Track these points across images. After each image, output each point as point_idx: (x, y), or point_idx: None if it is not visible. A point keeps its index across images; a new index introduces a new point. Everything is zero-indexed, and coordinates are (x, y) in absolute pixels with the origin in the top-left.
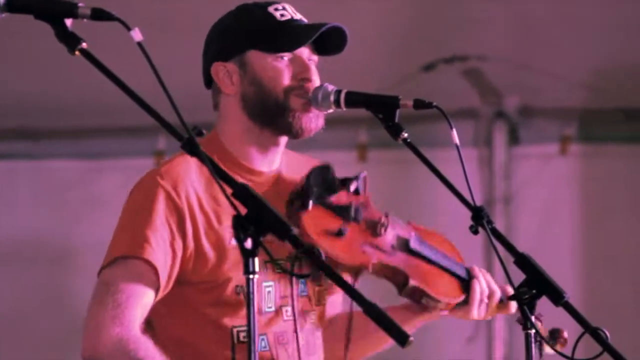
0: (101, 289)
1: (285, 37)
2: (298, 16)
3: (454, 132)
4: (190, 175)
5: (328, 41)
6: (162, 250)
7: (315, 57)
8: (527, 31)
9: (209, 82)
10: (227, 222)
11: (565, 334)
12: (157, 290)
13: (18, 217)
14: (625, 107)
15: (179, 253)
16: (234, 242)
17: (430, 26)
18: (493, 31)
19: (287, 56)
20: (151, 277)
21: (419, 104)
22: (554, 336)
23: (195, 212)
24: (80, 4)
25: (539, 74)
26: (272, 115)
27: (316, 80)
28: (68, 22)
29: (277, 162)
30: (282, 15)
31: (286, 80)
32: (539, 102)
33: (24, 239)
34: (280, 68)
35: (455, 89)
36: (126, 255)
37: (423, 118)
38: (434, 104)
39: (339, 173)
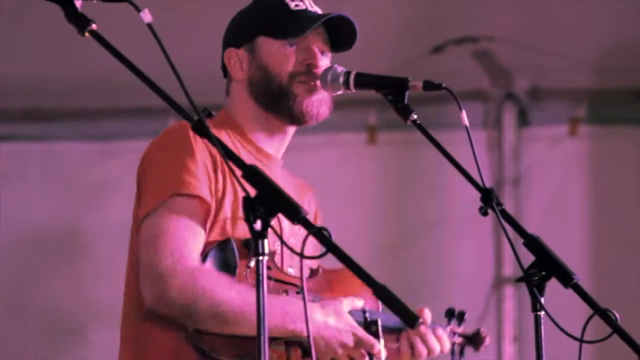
0: (152, 235)
1: (293, 24)
2: (315, 8)
3: (464, 113)
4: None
5: (340, 36)
6: (207, 189)
7: (328, 52)
8: (537, 12)
9: (224, 70)
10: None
11: (485, 336)
12: (205, 228)
13: (28, 199)
14: (635, 88)
15: (215, 201)
16: None
17: (439, 8)
18: (503, 13)
19: (295, 43)
20: (202, 214)
21: (429, 86)
22: (477, 339)
23: (224, 167)
24: None
25: (548, 55)
26: (274, 98)
27: (323, 67)
28: (78, 3)
29: (281, 152)
30: (296, 5)
31: (291, 65)
32: (549, 84)
33: (34, 221)
34: (286, 53)
35: (464, 70)
36: (175, 193)
37: (432, 100)
38: (444, 85)
39: (349, 155)
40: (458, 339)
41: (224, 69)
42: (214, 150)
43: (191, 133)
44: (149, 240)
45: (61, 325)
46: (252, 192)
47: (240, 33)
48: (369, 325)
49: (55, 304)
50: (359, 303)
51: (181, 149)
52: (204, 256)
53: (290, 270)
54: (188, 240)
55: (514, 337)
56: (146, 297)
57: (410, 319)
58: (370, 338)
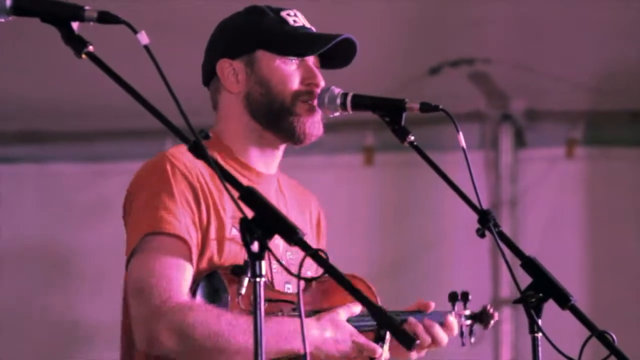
0: (138, 279)
1: (301, 42)
2: (308, 25)
3: (461, 135)
4: (196, 161)
5: (334, 55)
6: (188, 227)
7: (318, 69)
8: (533, 34)
9: (208, 79)
10: (230, 212)
11: (493, 313)
12: (192, 263)
13: (24, 220)
14: (631, 110)
15: (200, 231)
16: (234, 232)
17: (436, 29)
18: (499, 34)
19: (295, 61)
20: (184, 251)
21: (426, 107)
22: (485, 317)
23: (206, 192)
24: (86, 7)
25: (545, 76)
26: (276, 117)
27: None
28: (74, 25)
29: (274, 168)
30: (294, 21)
31: (295, 84)
32: (545, 105)
33: (29, 242)
34: (289, 71)
35: (461, 92)
36: (153, 232)
37: (429, 121)
38: (441, 107)
39: (346, 177)
40: (466, 321)
41: (207, 76)
42: (195, 180)
43: (168, 167)
44: (136, 284)
45: (54, 345)
46: (249, 213)
47: (236, 44)
48: (379, 329)
49: (48, 323)
50: (356, 309)
51: (159, 187)
52: (194, 289)
53: (288, 287)
54: (173, 278)
55: (512, 359)
56: (140, 342)
57: (407, 341)
58: (370, 343)
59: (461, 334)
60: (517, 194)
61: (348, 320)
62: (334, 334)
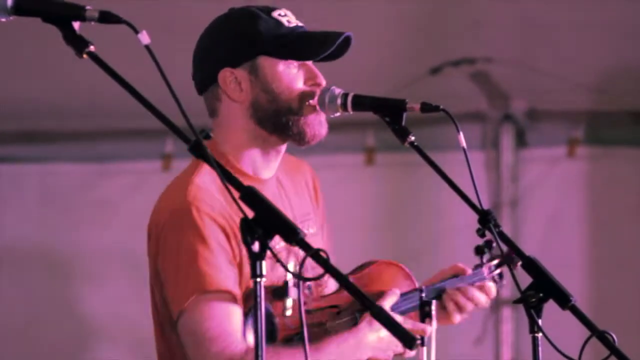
0: (195, 338)
1: (304, 45)
2: (300, 23)
3: (461, 135)
4: (215, 194)
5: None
6: (227, 271)
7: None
8: (535, 34)
9: (204, 87)
10: None
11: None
12: (240, 308)
13: (25, 220)
14: (632, 110)
15: (235, 264)
16: None
17: (437, 29)
18: (500, 34)
19: (296, 63)
20: (232, 302)
21: (426, 107)
22: (510, 260)
23: (232, 224)
24: (87, 7)
25: (546, 76)
26: (285, 122)
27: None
28: (76, 25)
29: (275, 169)
30: (288, 22)
31: (299, 86)
32: (546, 105)
33: (31, 242)
34: (293, 75)
35: (462, 92)
36: (202, 291)
37: (430, 121)
38: (441, 107)
39: (347, 177)
40: (495, 271)
41: (203, 85)
42: (220, 218)
43: (195, 214)
44: (195, 342)
45: (55, 345)
46: (250, 213)
47: (236, 52)
48: (424, 306)
49: (49, 323)
50: (394, 297)
51: (193, 239)
52: (244, 323)
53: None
54: (227, 328)
55: (512, 359)
56: None
57: (407, 340)
58: (418, 325)
59: (494, 282)
60: (518, 194)
61: (393, 308)
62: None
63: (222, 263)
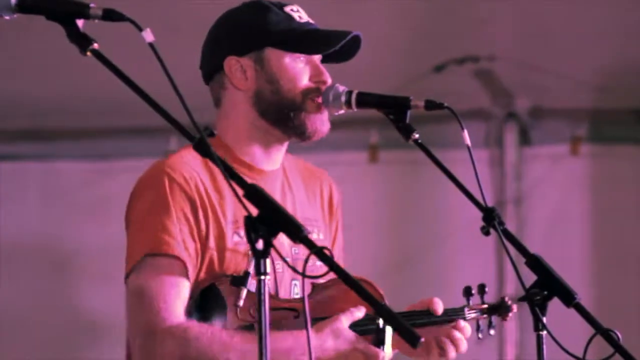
0: (135, 296)
1: (312, 40)
2: (312, 20)
3: (465, 132)
4: (196, 167)
5: (338, 50)
6: (185, 242)
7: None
8: (538, 32)
9: (210, 75)
10: (230, 217)
11: (511, 304)
12: (188, 280)
13: (27, 218)
14: (636, 108)
15: (199, 242)
16: (235, 238)
17: (441, 27)
18: (504, 32)
19: (303, 58)
20: (181, 270)
21: (430, 105)
22: (502, 309)
23: (205, 202)
24: (91, 5)
25: (550, 74)
26: (286, 115)
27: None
28: (79, 22)
29: (279, 163)
30: (299, 17)
31: (304, 82)
32: (550, 103)
33: (33, 240)
34: (299, 69)
35: (466, 89)
36: (152, 254)
37: (434, 119)
38: (445, 104)
39: (351, 174)
40: (482, 316)
41: (209, 73)
42: (193, 192)
43: (166, 181)
44: (134, 300)
45: (56, 343)
46: (254, 211)
47: (244, 41)
48: (379, 332)
49: (51, 321)
50: (359, 314)
51: (157, 203)
52: (191, 304)
53: (295, 282)
54: (169, 297)
55: (516, 357)
56: (134, 355)
57: (412, 338)
58: (372, 349)
59: (478, 327)
60: (521, 192)
61: (351, 326)
62: (334, 343)
63: (181, 234)
